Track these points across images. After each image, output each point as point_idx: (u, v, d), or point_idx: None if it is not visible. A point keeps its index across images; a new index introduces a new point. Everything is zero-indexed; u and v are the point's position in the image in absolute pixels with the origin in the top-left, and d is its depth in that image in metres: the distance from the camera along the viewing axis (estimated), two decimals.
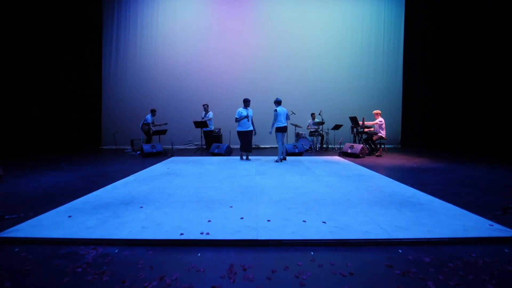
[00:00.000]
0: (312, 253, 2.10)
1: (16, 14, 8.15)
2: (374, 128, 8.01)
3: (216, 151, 7.71)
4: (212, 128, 8.72)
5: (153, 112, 8.72)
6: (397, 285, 1.69)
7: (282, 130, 6.31)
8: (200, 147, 8.87)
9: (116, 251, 2.12)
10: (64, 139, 9.52)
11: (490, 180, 4.61)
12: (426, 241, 2.25)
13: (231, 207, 3.06)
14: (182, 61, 10.11)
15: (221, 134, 9.56)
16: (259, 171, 5.16)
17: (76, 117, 9.72)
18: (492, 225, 2.50)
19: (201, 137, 8.42)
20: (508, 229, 2.40)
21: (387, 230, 2.40)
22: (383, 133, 7.74)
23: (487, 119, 8.23)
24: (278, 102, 6.38)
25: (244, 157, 6.79)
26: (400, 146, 10.55)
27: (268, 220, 2.63)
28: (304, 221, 2.62)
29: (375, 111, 7.95)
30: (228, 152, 7.77)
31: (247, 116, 6.35)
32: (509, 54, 7.51)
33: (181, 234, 2.32)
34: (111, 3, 10.10)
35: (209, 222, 2.58)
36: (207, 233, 2.33)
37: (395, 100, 10.59)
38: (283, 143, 6.42)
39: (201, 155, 7.77)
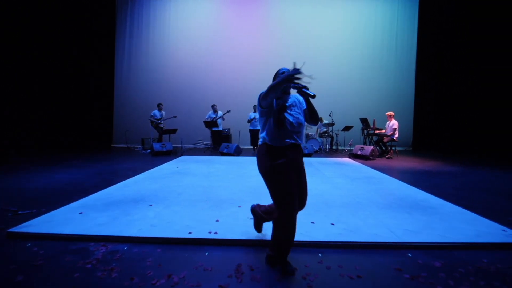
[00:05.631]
0: (320, 255, 2.08)
1: (32, 13, 8.42)
2: (385, 129, 7.89)
3: (225, 151, 7.75)
4: (221, 128, 8.76)
5: (159, 106, 8.53)
6: None
7: None
8: (209, 146, 8.94)
9: (125, 248, 2.15)
10: (76, 137, 9.76)
11: (504, 185, 4.46)
12: (437, 245, 2.20)
13: (240, 207, 3.06)
14: (193, 61, 10.22)
15: (231, 134, 9.60)
16: None
17: (88, 116, 9.97)
18: (505, 231, 2.43)
19: (211, 136, 8.46)
20: None
21: (397, 234, 2.36)
22: (396, 135, 7.59)
23: (503, 122, 7.97)
24: None
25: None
26: (411, 148, 10.34)
27: None
28: (312, 222, 2.61)
29: (388, 113, 7.82)
30: (238, 152, 7.79)
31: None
32: None
33: (190, 233, 2.34)
34: (125, 3, 10.31)
35: (217, 222, 2.60)
36: (215, 233, 2.34)
37: (407, 101, 10.39)
38: None
39: (211, 154, 7.82)
